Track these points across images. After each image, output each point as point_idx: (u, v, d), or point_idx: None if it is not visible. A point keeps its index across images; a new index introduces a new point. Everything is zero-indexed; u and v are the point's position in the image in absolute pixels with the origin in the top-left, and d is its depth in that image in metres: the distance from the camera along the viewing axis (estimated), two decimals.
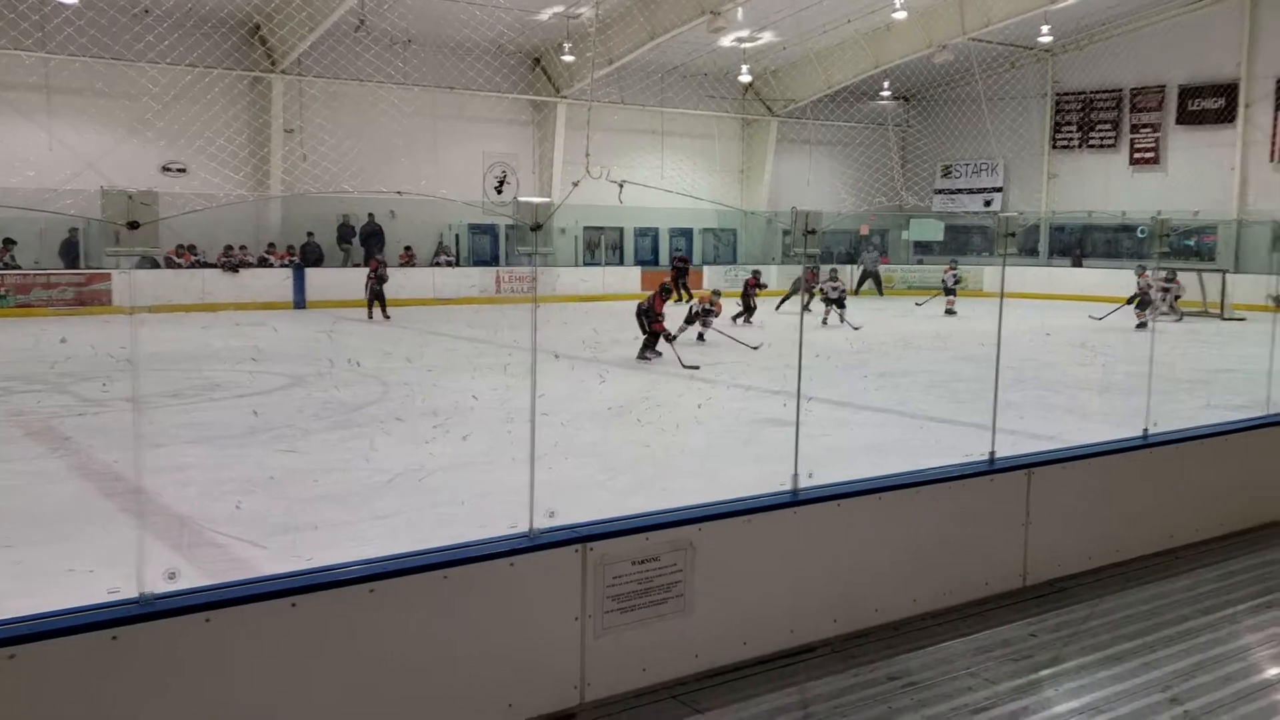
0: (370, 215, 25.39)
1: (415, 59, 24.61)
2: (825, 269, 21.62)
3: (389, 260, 24.83)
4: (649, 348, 14.92)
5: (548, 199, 24.78)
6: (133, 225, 3.18)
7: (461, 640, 3.77)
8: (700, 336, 16.68)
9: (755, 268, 24.87)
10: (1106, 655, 4.51)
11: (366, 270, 21.78)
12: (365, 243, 25.42)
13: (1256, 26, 26.31)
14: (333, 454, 8.62)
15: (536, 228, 4.27)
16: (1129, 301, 20.89)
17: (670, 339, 14.80)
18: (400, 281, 23.09)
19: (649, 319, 15.06)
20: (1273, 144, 26.16)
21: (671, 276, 23.41)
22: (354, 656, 3.53)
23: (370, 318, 20.78)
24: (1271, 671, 4.44)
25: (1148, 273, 21.03)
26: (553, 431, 8.51)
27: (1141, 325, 19.68)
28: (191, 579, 3.48)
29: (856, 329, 18.71)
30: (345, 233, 25.49)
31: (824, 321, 20.08)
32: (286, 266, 23.69)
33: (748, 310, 20.58)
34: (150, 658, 3.17)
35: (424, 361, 14.33)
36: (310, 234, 24.70)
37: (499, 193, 27.08)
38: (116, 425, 9.40)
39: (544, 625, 3.96)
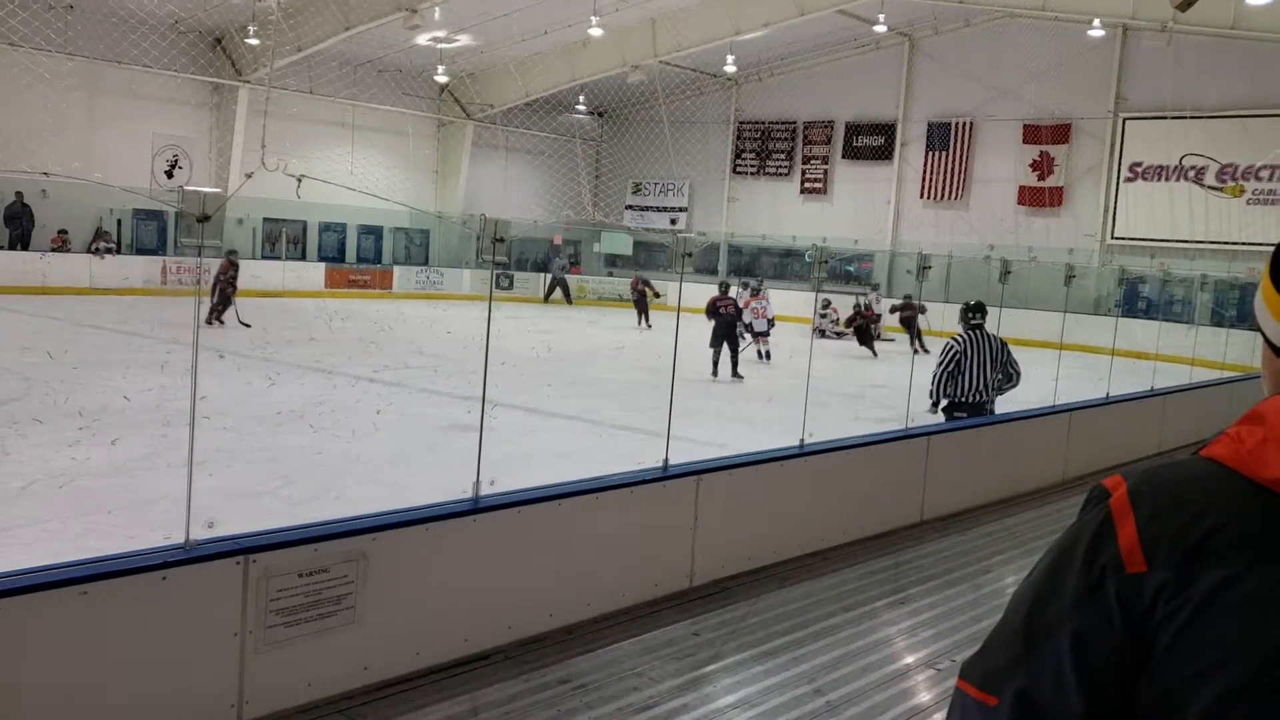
0: (18, 194, 22.67)
1: (78, 26, 22.29)
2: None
3: (41, 244, 22.36)
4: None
5: (219, 189, 23.25)
6: None
7: (105, 663, 3.45)
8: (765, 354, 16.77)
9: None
10: (761, 651, 4.81)
11: (218, 268, 18.11)
12: (9, 224, 22.74)
13: (913, 74, 29.14)
14: None
15: (204, 219, 4.00)
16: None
17: (751, 332, 15.87)
18: (48, 268, 20.81)
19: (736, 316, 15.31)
20: (923, 182, 29.06)
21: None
22: None
23: (213, 322, 17.46)
24: (902, 662, 4.92)
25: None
26: (216, 436, 7.98)
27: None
28: None
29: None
30: None
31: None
32: None
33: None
34: None
35: (71, 357, 12.99)
36: None
37: (170, 177, 25.09)
38: None
39: (199, 643, 3.70)
